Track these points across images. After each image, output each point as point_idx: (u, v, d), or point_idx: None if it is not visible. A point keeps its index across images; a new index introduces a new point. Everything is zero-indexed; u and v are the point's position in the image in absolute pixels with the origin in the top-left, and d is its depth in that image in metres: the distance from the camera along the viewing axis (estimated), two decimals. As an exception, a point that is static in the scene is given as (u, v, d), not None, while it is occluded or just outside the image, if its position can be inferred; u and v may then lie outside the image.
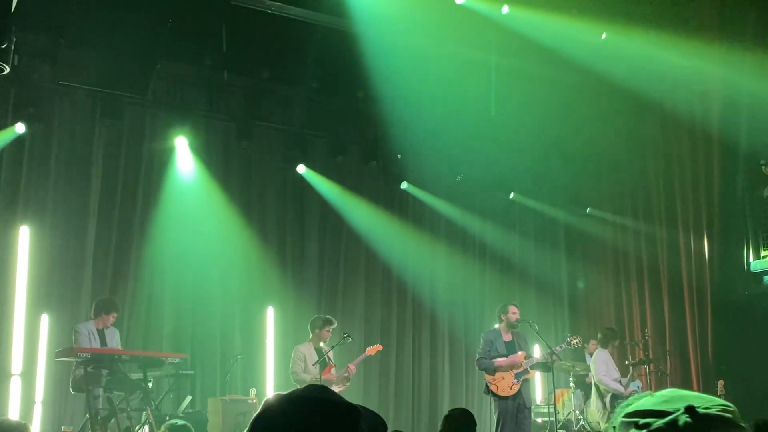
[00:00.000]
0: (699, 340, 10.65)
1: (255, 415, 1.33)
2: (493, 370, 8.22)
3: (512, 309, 8.47)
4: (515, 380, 8.12)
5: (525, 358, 8.24)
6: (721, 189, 10.78)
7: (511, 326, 8.41)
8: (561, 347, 8.64)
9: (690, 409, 1.20)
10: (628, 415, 1.25)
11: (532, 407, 10.73)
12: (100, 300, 8.72)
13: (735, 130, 10.38)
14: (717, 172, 10.78)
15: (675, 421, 1.19)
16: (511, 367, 8.19)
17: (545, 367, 8.49)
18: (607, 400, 9.27)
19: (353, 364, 8.75)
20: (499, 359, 8.22)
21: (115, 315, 8.55)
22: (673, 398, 1.24)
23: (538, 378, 12.21)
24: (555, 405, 9.54)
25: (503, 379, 8.16)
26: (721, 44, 10.14)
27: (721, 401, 1.24)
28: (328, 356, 8.46)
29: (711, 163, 10.85)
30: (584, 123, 11.24)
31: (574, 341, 8.56)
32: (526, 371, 8.20)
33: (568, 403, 10.63)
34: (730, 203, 10.78)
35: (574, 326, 12.71)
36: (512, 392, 8.12)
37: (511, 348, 8.32)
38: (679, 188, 11.25)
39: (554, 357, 8.61)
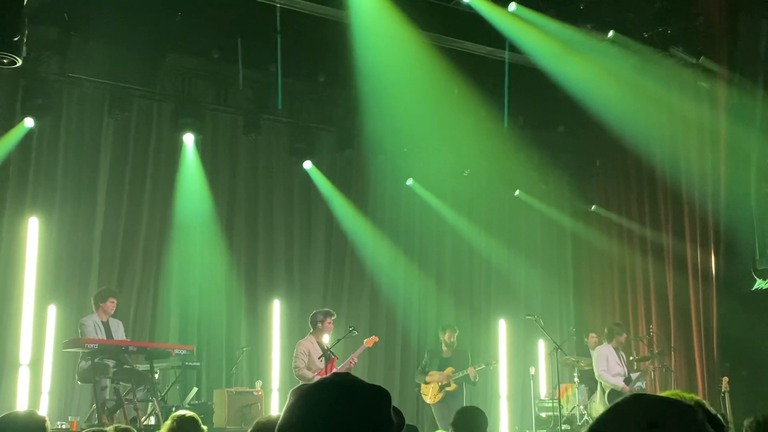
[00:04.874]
0: (704, 337, 10.63)
1: (288, 404, 1.33)
2: (424, 381, 9.62)
3: (444, 335, 9.71)
4: (439, 390, 9.48)
5: (452, 373, 9.47)
6: (729, 184, 10.71)
7: (447, 346, 9.66)
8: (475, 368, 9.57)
9: (652, 424, 1.09)
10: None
11: (537, 402, 10.86)
12: (96, 292, 8.78)
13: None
14: (723, 168, 10.69)
15: None
16: (439, 379, 9.54)
17: (468, 380, 9.51)
18: (606, 396, 9.30)
19: (355, 356, 8.80)
20: (432, 373, 9.57)
21: (114, 300, 8.56)
22: (630, 411, 1.12)
23: (542, 372, 12.22)
24: (559, 400, 9.57)
25: (431, 389, 9.54)
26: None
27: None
28: (330, 351, 8.50)
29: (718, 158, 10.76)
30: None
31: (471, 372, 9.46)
32: (448, 384, 9.45)
33: (572, 398, 10.64)
34: (739, 199, 10.70)
35: (579, 321, 12.72)
36: (436, 400, 9.47)
37: (445, 363, 9.59)
38: (685, 182, 11.17)
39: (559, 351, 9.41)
